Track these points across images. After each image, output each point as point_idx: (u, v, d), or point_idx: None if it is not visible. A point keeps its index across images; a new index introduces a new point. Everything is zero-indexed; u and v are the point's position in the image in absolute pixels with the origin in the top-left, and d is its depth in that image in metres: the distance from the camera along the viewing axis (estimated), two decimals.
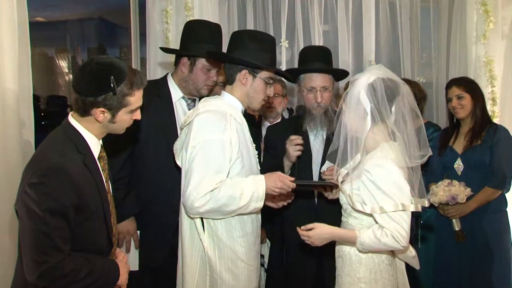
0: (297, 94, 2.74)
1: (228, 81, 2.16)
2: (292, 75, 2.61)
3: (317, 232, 1.94)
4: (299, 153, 2.45)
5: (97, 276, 1.65)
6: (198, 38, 2.50)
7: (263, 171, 2.18)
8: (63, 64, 7.16)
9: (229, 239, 2.04)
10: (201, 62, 2.50)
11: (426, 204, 1.93)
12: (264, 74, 2.13)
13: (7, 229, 2.59)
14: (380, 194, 1.87)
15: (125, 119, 1.72)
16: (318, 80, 2.51)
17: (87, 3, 6.82)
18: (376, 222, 1.91)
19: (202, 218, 2.03)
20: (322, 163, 2.56)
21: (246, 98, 2.15)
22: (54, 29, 6.76)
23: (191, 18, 3.25)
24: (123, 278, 1.76)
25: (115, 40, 7.09)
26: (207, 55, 2.38)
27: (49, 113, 5.73)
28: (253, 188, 1.98)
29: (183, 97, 2.61)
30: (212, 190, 1.90)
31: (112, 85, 1.60)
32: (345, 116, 1.98)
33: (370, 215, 1.93)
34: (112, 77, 1.60)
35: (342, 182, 2.03)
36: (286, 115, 3.66)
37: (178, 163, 2.22)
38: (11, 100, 2.63)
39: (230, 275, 2.03)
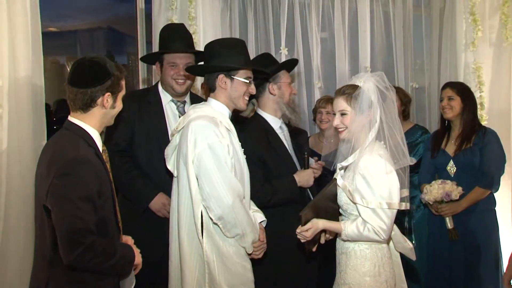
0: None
1: (211, 89, 2.28)
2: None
3: (313, 231, 2.05)
4: None
5: (120, 256, 1.77)
6: (163, 39, 2.65)
7: None
8: None
9: (223, 238, 2.14)
10: (166, 59, 2.62)
11: (406, 207, 2.04)
12: (241, 74, 2.24)
13: (23, 228, 2.68)
14: (368, 190, 1.96)
15: (119, 104, 1.88)
16: None
17: (96, 13, 6.99)
18: (360, 215, 2.00)
19: (202, 220, 2.11)
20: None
21: (230, 101, 2.26)
22: (65, 39, 6.88)
23: (195, 28, 3.35)
24: (138, 258, 1.90)
25: (123, 48, 7.15)
26: (186, 71, 2.46)
27: (60, 118, 5.82)
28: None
29: (172, 100, 2.71)
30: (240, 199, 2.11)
31: (110, 71, 1.80)
32: (350, 119, 2.06)
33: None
34: (107, 64, 1.80)
35: (341, 179, 2.10)
36: None
37: (169, 167, 2.31)
38: (25, 105, 2.72)
39: (229, 275, 2.14)
